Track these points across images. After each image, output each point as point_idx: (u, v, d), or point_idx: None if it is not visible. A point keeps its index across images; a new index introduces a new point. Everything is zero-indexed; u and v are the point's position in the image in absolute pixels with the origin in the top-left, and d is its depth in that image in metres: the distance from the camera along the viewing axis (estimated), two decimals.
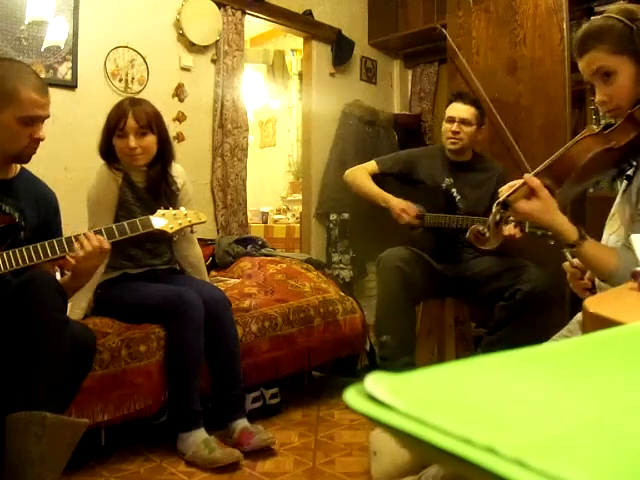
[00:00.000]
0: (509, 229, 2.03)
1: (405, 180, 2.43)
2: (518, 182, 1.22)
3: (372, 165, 2.48)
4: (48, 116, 1.54)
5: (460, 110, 2.33)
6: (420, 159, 2.46)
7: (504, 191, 1.23)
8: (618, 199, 1.30)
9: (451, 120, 2.34)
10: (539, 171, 1.23)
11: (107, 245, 1.56)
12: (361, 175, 2.45)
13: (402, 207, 2.28)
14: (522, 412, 0.24)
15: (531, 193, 1.17)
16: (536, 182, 1.17)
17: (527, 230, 1.93)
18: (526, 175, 1.18)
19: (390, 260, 2.14)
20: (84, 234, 1.54)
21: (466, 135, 2.32)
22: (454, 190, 2.34)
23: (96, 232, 1.58)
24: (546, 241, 1.48)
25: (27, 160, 1.58)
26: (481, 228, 1.19)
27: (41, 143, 1.56)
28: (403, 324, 2.12)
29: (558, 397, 0.26)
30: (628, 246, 1.22)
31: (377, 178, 2.46)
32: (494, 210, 1.18)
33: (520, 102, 2.96)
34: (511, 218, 1.23)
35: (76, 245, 1.51)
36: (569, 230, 1.20)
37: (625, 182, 1.25)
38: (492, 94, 3.08)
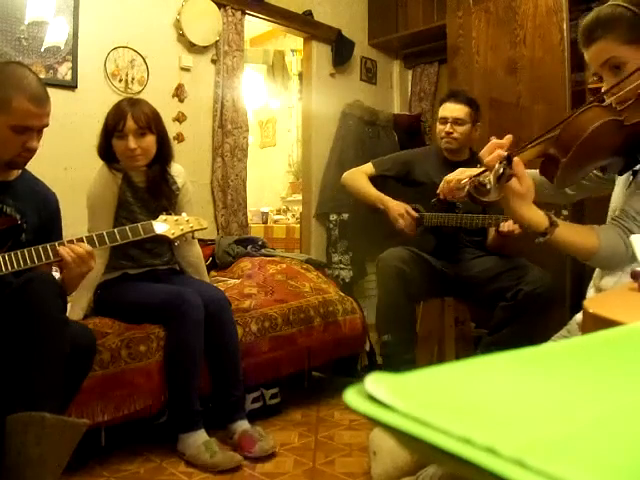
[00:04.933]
0: (508, 225, 2.03)
1: (403, 181, 2.42)
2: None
3: (369, 167, 2.46)
4: (44, 126, 1.52)
5: (453, 110, 2.30)
6: (417, 160, 2.44)
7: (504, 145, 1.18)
8: (619, 193, 1.29)
9: (444, 121, 2.32)
10: (540, 142, 1.20)
11: (90, 248, 1.53)
12: (359, 177, 2.43)
13: (400, 212, 2.26)
14: (522, 412, 0.24)
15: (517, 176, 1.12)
16: (521, 168, 1.13)
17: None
18: (516, 159, 1.12)
19: (390, 260, 2.14)
20: (66, 244, 1.52)
21: (460, 135, 2.30)
22: None
23: (98, 236, 1.58)
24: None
25: (20, 167, 1.58)
26: (482, 179, 1.12)
27: (41, 143, 1.56)
28: (404, 323, 2.12)
29: (558, 397, 0.26)
30: (614, 223, 1.21)
31: (377, 180, 2.45)
32: (497, 165, 1.14)
33: (520, 102, 2.96)
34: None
35: (62, 251, 1.49)
36: (539, 219, 1.16)
37: (631, 177, 1.23)
38: (492, 94, 3.08)
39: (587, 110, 1.10)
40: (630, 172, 1.22)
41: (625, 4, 1.16)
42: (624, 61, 1.16)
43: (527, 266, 2.12)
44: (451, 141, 2.31)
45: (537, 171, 1.25)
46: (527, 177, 1.14)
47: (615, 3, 1.18)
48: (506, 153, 1.12)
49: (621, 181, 1.29)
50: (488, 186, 1.12)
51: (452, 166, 2.37)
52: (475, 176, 1.15)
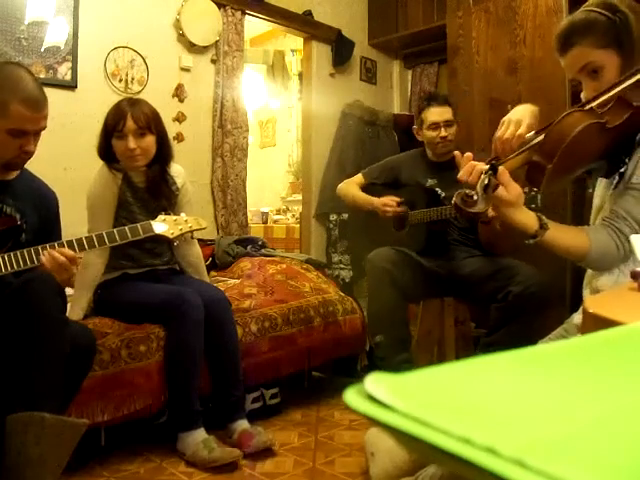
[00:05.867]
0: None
1: (392, 186, 2.47)
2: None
3: (359, 178, 2.56)
4: (41, 129, 1.53)
5: (442, 113, 2.34)
6: (402, 164, 2.50)
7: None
8: (602, 192, 1.29)
9: (436, 126, 2.33)
10: (523, 150, 1.20)
11: (72, 255, 1.51)
12: (350, 187, 2.54)
13: (383, 202, 2.33)
14: (522, 412, 0.24)
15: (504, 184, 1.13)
16: (507, 177, 1.14)
17: None
18: (501, 168, 1.14)
19: (378, 262, 2.14)
20: (48, 250, 1.48)
21: (453, 135, 2.35)
22: (438, 189, 2.35)
23: (97, 236, 1.58)
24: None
25: (18, 168, 1.59)
26: (468, 191, 1.13)
27: (41, 143, 1.56)
28: (395, 323, 2.12)
29: (558, 397, 0.26)
30: (604, 223, 1.21)
31: (368, 186, 2.52)
32: (482, 176, 1.14)
33: (520, 102, 2.95)
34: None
35: (43, 258, 1.47)
36: (530, 221, 1.17)
37: (616, 177, 1.23)
38: (492, 94, 3.08)
39: (568, 115, 1.12)
40: (616, 175, 1.22)
41: (598, 9, 1.19)
42: (601, 65, 1.19)
43: (517, 266, 2.10)
44: (447, 144, 2.34)
45: None
46: (514, 184, 1.15)
47: (588, 9, 1.21)
48: (487, 166, 1.13)
49: (603, 180, 1.30)
50: (475, 197, 1.13)
51: (437, 167, 2.41)
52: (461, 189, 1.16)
